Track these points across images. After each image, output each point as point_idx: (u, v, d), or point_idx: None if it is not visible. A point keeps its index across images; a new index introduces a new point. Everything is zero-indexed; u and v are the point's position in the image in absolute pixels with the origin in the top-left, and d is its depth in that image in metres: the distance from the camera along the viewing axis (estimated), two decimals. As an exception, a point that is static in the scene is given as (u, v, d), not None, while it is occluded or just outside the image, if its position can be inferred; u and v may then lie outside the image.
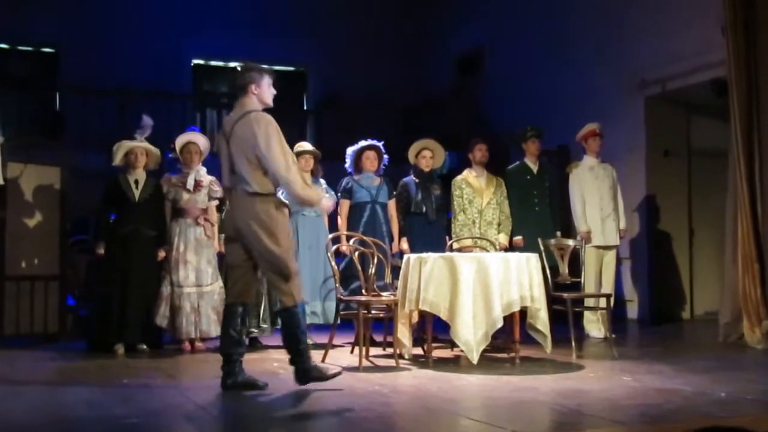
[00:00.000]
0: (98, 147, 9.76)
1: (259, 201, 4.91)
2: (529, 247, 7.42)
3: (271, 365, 6.12)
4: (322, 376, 4.98)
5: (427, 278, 5.93)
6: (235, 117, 5.04)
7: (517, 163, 8.28)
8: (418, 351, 6.49)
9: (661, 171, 10.18)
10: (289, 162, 4.91)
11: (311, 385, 5.10)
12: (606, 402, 4.51)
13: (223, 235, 7.30)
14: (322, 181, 7.74)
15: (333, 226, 7.68)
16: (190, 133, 7.61)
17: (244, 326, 5.19)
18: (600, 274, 8.15)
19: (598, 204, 8.16)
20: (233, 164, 4.98)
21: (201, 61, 14.48)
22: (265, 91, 5.09)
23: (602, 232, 8.12)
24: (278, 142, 4.88)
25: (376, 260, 6.49)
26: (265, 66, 5.16)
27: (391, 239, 7.59)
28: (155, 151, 7.31)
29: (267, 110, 5.10)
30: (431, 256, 5.98)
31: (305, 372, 4.98)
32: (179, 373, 5.89)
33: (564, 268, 6.88)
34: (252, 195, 4.91)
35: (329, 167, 8.11)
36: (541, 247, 6.87)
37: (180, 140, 7.40)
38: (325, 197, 4.99)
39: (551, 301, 6.54)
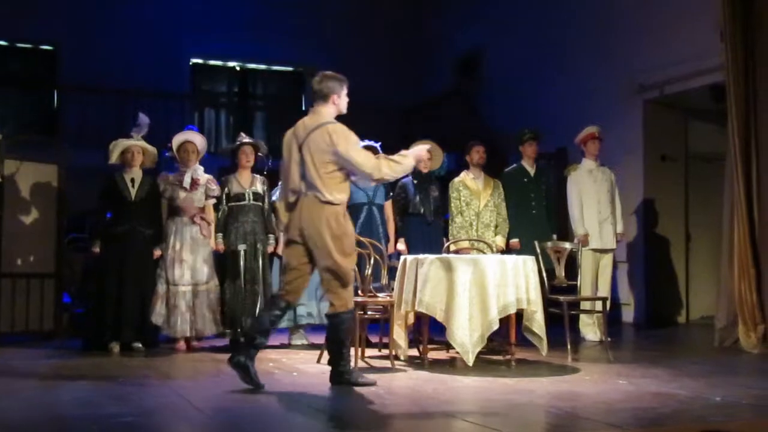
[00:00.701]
0: (96, 145, 9.74)
1: (330, 209, 5.06)
2: (525, 249, 7.43)
3: (266, 365, 6.11)
4: (356, 382, 5.12)
5: (423, 280, 5.92)
6: (311, 125, 5.15)
7: (515, 165, 8.28)
8: (414, 352, 6.49)
9: (659, 175, 10.20)
10: (372, 160, 5.08)
11: (307, 387, 5.11)
12: (601, 405, 4.51)
13: (220, 234, 7.37)
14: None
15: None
16: (188, 132, 7.61)
17: (278, 320, 5.30)
18: (596, 277, 8.16)
19: (596, 207, 8.16)
20: (305, 170, 5.09)
21: (200, 61, 14.48)
22: (343, 100, 5.28)
23: (600, 236, 8.12)
24: (356, 147, 5.10)
25: (372, 261, 6.49)
26: (343, 77, 5.29)
27: (388, 240, 7.59)
28: (152, 149, 7.30)
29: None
30: (428, 258, 5.98)
31: (341, 375, 5.15)
32: (174, 372, 5.88)
33: (560, 271, 6.89)
34: (324, 203, 5.06)
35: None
36: (538, 250, 6.87)
37: (177, 139, 7.39)
38: (411, 156, 5.24)
39: (547, 303, 6.54)
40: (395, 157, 5.20)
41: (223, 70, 14.86)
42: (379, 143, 7.74)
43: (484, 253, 7.32)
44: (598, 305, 7.27)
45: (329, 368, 5.37)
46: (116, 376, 5.53)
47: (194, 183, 7.26)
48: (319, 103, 5.21)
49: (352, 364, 5.42)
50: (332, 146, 5.03)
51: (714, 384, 5.20)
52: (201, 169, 7.38)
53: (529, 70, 12.12)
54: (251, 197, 7.45)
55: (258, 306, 7.32)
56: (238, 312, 7.30)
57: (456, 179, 7.94)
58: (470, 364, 5.71)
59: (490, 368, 5.94)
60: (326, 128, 5.09)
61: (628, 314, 10.18)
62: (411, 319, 6.52)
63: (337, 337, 5.17)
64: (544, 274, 6.64)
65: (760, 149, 7.24)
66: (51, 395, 4.92)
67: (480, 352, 5.87)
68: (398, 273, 6.26)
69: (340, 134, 5.08)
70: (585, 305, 7.53)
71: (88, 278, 8.68)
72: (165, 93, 12.46)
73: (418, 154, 5.34)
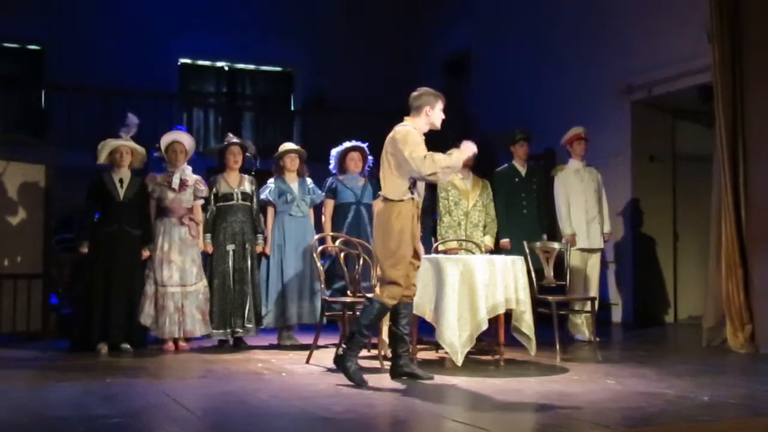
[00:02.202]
0: (84, 145, 9.71)
1: (385, 206, 5.31)
2: (516, 249, 7.44)
3: (255, 366, 6.11)
4: (349, 375, 5.17)
5: (412, 280, 5.92)
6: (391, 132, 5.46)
7: (506, 165, 8.30)
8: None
9: (647, 175, 10.24)
10: (420, 156, 5.21)
11: (295, 387, 5.11)
12: (589, 405, 4.52)
13: (209, 235, 7.35)
14: (309, 180, 7.74)
15: (318, 226, 7.68)
16: (176, 132, 7.59)
17: (404, 323, 5.44)
18: (584, 277, 8.18)
19: (583, 207, 8.18)
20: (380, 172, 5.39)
21: (188, 61, 14.44)
22: (436, 114, 5.47)
23: (587, 235, 8.15)
24: (412, 145, 5.26)
25: (361, 261, 6.48)
26: (439, 93, 5.50)
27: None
28: (140, 149, 7.27)
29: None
30: (417, 258, 5.97)
31: (343, 359, 5.24)
32: (163, 373, 5.86)
33: (549, 271, 6.90)
34: (384, 201, 5.33)
35: (315, 168, 8.11)
36: (527, 250, 6.88)
37: (165, 139, 7.37)
38: (459, 151, 5.32)
39: (536, 303, 6.56)
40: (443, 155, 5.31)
41: (212, 70, 14.82)
42: (367, 144, 7.75)
43: (472, 253, 7.33)
44: (587, 305, 7.29)
45: (318, 369, 5.36)
46: (104, 377, 5.50)
47: (183, 184, 7.24)
48: (412, 114, 5.47)
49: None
50: (395, 146, 5.30)
51: (702, 383, 5.22)
52: (189, 169, 7.36)
53: (518, 71, 12.14)
54: (239, 197, 7.44)
55: (247, 306, 7.31)
56: (227, 312, 7.29)
57: (445, 179, 7.93)
58: (459, 364, 5.71)
59: (479, 368, 5.95)
60: (394, 131, 5.38)
61: (616, 314, 10.22)
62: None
63: (359, 320, 5.33)
64: (533, 274, 6.65)
65: (748, 149, 7.27)
66: (39, 396, 4.90)
67: (469, 353, 5.88)
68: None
69: (400, 133, 5.34)
70: (573, 305, 7.55)
71: (76, 279, 8.64)
72: (153, 93, 12.41)
73: (466, 150, 5.39)
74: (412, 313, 5.60)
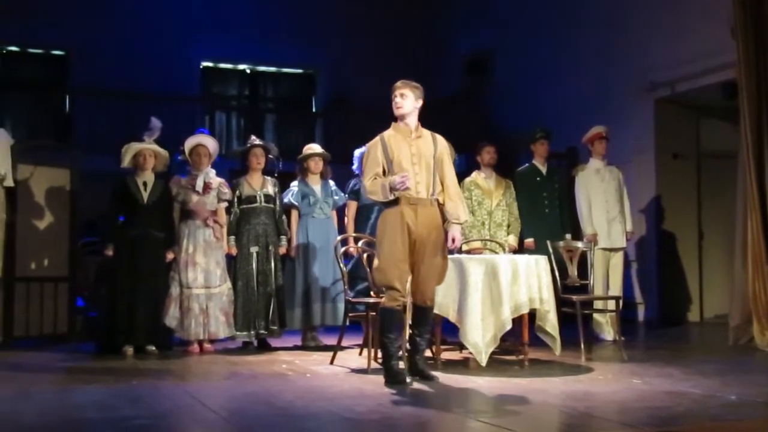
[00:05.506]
0: (108, 149, 9.78)
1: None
2: (539, 249, 7.41)
3: (279, 367, 6.12)
4: (387, 377, 5.23)
5: (435, 280, 5.91)
6: None
7: (527, 164, 8.27)
8: (427, 353, 6.47)
9: (671, 173, 10.18)
10: (366, 179, 5.43)
11: (320, 388, 5.12)
12: (615, 405, 4.49)
13: (232, 237, 7.38)
14: (331, 182, 7.76)
15: (341, 228, 7.69)
16: (199, 135, 7.63)
17: (419, 325, 5.48)
18: (607, 276, 8.14)
19: (604, 206, 8.15)
20: None
21: (210, 64, 14.52)
22: (394, 104, 5.69)
23: (608, 235, 8.11)
24: (365, 162, 5.51)
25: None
26: (397, 83, 5.73)
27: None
28: (164, 153, 7.31)
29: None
30: (440, 258, 5.96)
31: (383, 365, 5.33)
32: (188, 375, 5.89)
33: (573, 270, 6.87)
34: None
35: (337, 169, 8.12)
36: (550, 249, 6.85)
37: (189, 143, 7.41)
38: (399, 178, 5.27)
39: (560, 303, 6.53)
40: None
41: (234, 73, 14.89)
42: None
43: (496, 252, 7.31)
44: (611, 304, 7.25)
45: (342, 370, 5.34)
46: (130, 379, 5.54)
47: (207, 186, 7.28)
48: None
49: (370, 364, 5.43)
50: None
51: (728, 382, 5.17)
52: (213, 172, 7.40)
53: (539, 70, 12.10)
54: (262, 199, 7.46)
55: (271, 308, 7.33)
56: (251, 314, 7.31)
57: (467, 179, 7.93)
58: (483, 364, 5.71)
59: (503, 368, 5.93)
60: None
61: (640, 313, 10.16)
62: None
63: (379, 328, 5.43)
64: (557, 273, 6.62)
65: (773, 146, 7.21)
66: (66, 398, 4.93)
67: (493, 353, 5.87)
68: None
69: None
70: (597, 304, 7.51)
71: (101, 282, 8.70)
72: (176, 96, 12.49)
73: (394, 181, 5.25)
74: (429, 317, 5.54)
